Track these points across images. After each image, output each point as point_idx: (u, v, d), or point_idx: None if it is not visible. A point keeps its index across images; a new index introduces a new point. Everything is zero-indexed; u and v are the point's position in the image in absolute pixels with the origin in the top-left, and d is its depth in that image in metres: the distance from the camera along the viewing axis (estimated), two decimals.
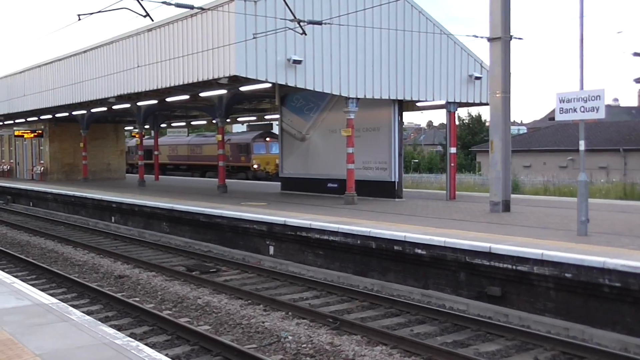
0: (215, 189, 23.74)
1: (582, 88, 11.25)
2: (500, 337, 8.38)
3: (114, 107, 25.72)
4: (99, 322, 6.82)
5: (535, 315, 9.11)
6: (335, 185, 20.35)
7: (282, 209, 16.27)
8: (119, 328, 8.57)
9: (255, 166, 36.05)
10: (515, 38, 15.62)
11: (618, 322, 8.32)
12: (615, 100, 69.63)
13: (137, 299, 10.68)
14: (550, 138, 45.70)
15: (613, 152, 40.23)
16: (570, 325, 8.60)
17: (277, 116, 24.37)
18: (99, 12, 13.33)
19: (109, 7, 12.95)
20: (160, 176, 34.50)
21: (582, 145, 11.25)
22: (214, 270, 13.15)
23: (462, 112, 65.45)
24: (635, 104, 62.84)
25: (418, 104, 20.63)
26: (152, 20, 12.93)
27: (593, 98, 10.93)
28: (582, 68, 11.41)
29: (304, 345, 8.05)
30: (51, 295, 9.30)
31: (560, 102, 11.41)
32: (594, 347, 7.75)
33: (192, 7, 13.74)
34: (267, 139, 36.74)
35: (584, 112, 11.05)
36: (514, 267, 9.44)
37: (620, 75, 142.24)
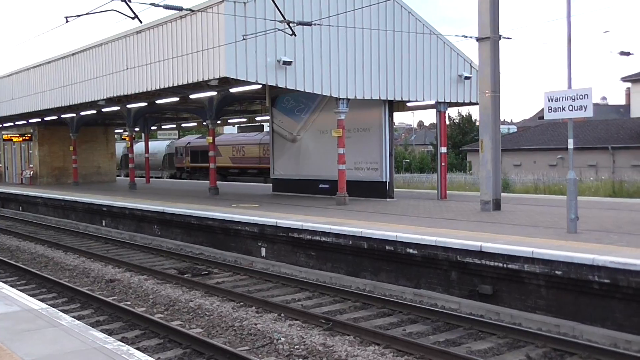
0: (207, 191, 23.69)
1: (570, 87, 11.31)
2: (492, 335, 8.42)
3: (104, 109, 25.60)
4: (90, 327, 6.79)
5: (526, 313, 9.16)
6: (327, 186, 20.36)
7: (273, 210, 16.25)
8: (110, 332, 8.55)
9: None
10: (504, 38, 15.72)
11: (608, 318, 8.38)
12: (604, 98, 70.04)
13: (129, 302, 10.64)
14: (539, 137, 45.91)
15: (602, 150, 40.47)
16: (561, 322, 8.64)
17: (268, 117, 24.35)
18: (87, 14, 13.27)
19: (97, 9, 12.90)
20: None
21: (570, 144, 11.32)
22: (206, 272, 13.12)
23: (453, 112, 65.62)
24: (623, 102, 63.27)
25: (408, 104, 20.68)
26: (141, 22, 12.87)
27: (581, 97, 11.00)
28: (569, 67, 11.48)
29: (297, 346, 8.05)
30: (41, 300, 9.25)
31: (549, 101, 11.48)
32: (584, 343, 7.80)
33: (181, 9, 13.70)
34: None
35: (572, 110, 11.12)
36: (505, 265, 9.48)
37: (608, 74, 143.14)
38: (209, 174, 31.41)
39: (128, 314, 9.51)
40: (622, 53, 18.57)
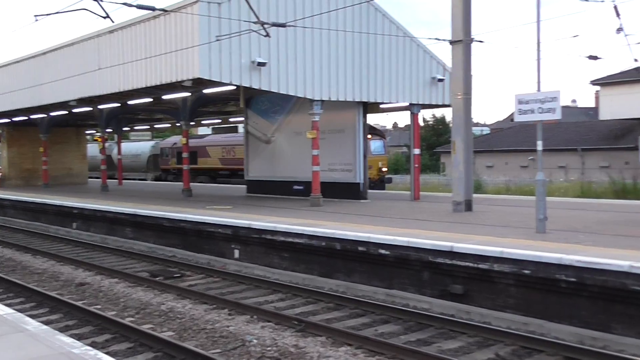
0: (180, 192, 23.52)
1: (539, 90, 11.51)
2: (463, 334, 8.52)
3: (75, 110, 25.25)
4: (57, 332, 6.69)
5: (496, 312, 9.28)
6: (301, 187, 20.38)
7: (247, 211, 16.21)
8: (80, 337, 8.42)
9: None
10: (476, 41, 15.92)
11: (574, 316, 8.54)
12: (574, 101, 71.39)
13: (99, 306, 10.50)
14: (512, 138, 46.57)
15: (571, 151, 41.24)
16: (530, 320, 8.79)
17: (243, 119, 24.29)
18: (57, 12, 13.10)
19: (67, 8, 12.73)
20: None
21: (539, 146, 11.51)
22: (178, 275, 13.03)
23: (427, 114, 66.20)
24: (593, 105, 64.47)
25: (382, 106, 20.82)
26: (113, 22, 12.77)
27: (550, 99, 11.20)
28: (539, 71, 11.71)
29: (269, 348, 8.04)
30: (7, 305, 9.05)
31: (519, 104, 11.66)
32: (551, 340, 7.95)
33: (154, 9, 13.60)
34: (369, 136, 27.09)
35: (541, 113, 11.31)
36: (476, 265, 9.61)
37: (578, 77, 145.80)
38: (196, 176, 30.51)
39: (98, 318, 9.39)
40: (591, 57, 18.88)
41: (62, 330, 8.42)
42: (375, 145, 28.74)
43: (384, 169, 29.16)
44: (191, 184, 24.43)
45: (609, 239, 10.42)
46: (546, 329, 8.55)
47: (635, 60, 22.37)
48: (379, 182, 27.80)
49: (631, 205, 17.04)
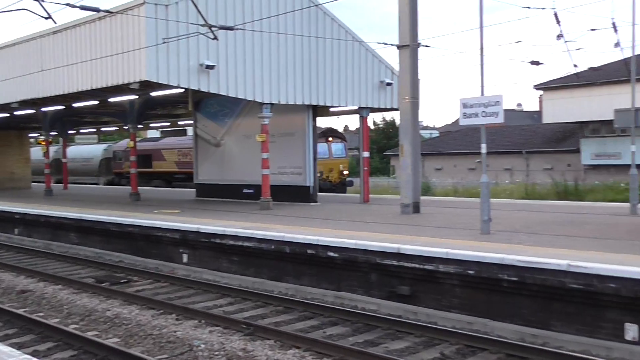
0: (128, 196, 23.07)
1: (483, 94, 11.82)
2: (409, 335, 8.67)
3: (17, 112, 24.45)
4: None
5: (442, 312, 9.48)
6: (251, 191, 20.30)
7: (196, 216, 16.05)
8: (21, 346, 8.19)
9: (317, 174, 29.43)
10: (423, 46, 16.24)
11: (516, 314, 8.81)
12: (520, 105, 73.55)
13: (42, 314, 10.22)
14: (460, 141, 47.61)
15: (517, 154, 42.48)
16: (474, 320, 9.01)
17: (192, 122, 24.03)
18: None
19: (6, 8, 12.34)
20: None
21: (483, 149, 11.84)
22: (125, 280, 12.80)
23: (378, 117, 66.98)
24: (538, 109, 66.54)
25: (332, 109, 20.95)
26: (55, 23, 12.46)
27: (493, 103, 11.51)
28: (482, 75, 12.02)
29: (217, 352, 7.99)
30: None
31: (464, 108, 11.94)
32: (494, 339, 8.18)
33: (98, 10, 13.35)
34: (330, 138, 28.68)
35: (485, 117, 11.61)
36: (422, 266, 9.79)
37: (524, 82, 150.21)
38: (151, 180, 29.68)
39: (40, 326, 9.13)
40: (533, 62, 19.53)
41: (1, 339, 8.17)
42: (336, 147, 28.75)
43: (345, 172, 29.02)
44: (140, 188, 24.01)
45: (550, 238, 10.79)
46: (490, 327, 8.79)
47: (575, 65, 23.31)
48: (341, 185, 27.61)
49: (572, 206, 17.67)
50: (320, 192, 24.90)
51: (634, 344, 7.72)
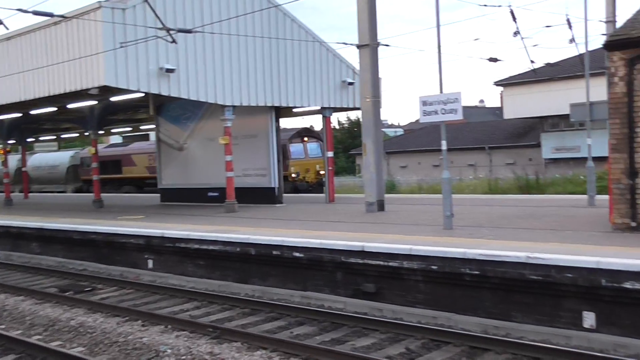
0: (91, 204, 22.71)
1: (442, 91, 12.01)
2: (375, 331, 8.76)
3: None
4: None
5: (407, 308, 9.60)
6: (216, 194, 20.18)
7: (160, 220, 15.91)
8: None
9: (293, 175, 27.70)
10: (383, 45, 16.41)
11: (479, 307, 8.98)
12: (482, 101, 74.64)
13: (3, 326, 10.00)
14: (424, 139, 48.13)
15: (480, 150, 43.15)
16: (438, 314, 9.16)
17: (154, 126, 23.78)
18: None
19: None
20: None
21: (444, 145, 12.03)
22: (89, 289, 12.61)
23: (342, 116, 67.28)
24: (499, 105, 67.68)
25: (294, 110, 20.98)
26: (7, 29, 12.22)
27: (452, 100, 11.70)
28: (440, 73, 12.23)
29: (184, 357, 7.95)
30: None
31: (424, 105, 12.10)
32: (458, 332, 8.33)
33: (51, 15, 13.11)
34: (305, 138, 28.56)
35: (444, 114, 11.79)
36: (386, 263, 9.90)
37: (485, 79, 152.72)
38: (120, 186, 28.94)
39: (2, 338, 8.95)
40: (491, 59, 19.90)
41: None
42: (312, 147, 28.59)
43: (322, 172, 29.01)
44: (104, 194, 23.67)
45: (510, 232, 11.03)
46: (453, 321, 8.94)
47: (532, 62, 23.77)
48: (318, 186, 27.48)
49: (533, 200, 18.07)
50: (297, 193, 26.08)
51: (592, 331, 7.96)
